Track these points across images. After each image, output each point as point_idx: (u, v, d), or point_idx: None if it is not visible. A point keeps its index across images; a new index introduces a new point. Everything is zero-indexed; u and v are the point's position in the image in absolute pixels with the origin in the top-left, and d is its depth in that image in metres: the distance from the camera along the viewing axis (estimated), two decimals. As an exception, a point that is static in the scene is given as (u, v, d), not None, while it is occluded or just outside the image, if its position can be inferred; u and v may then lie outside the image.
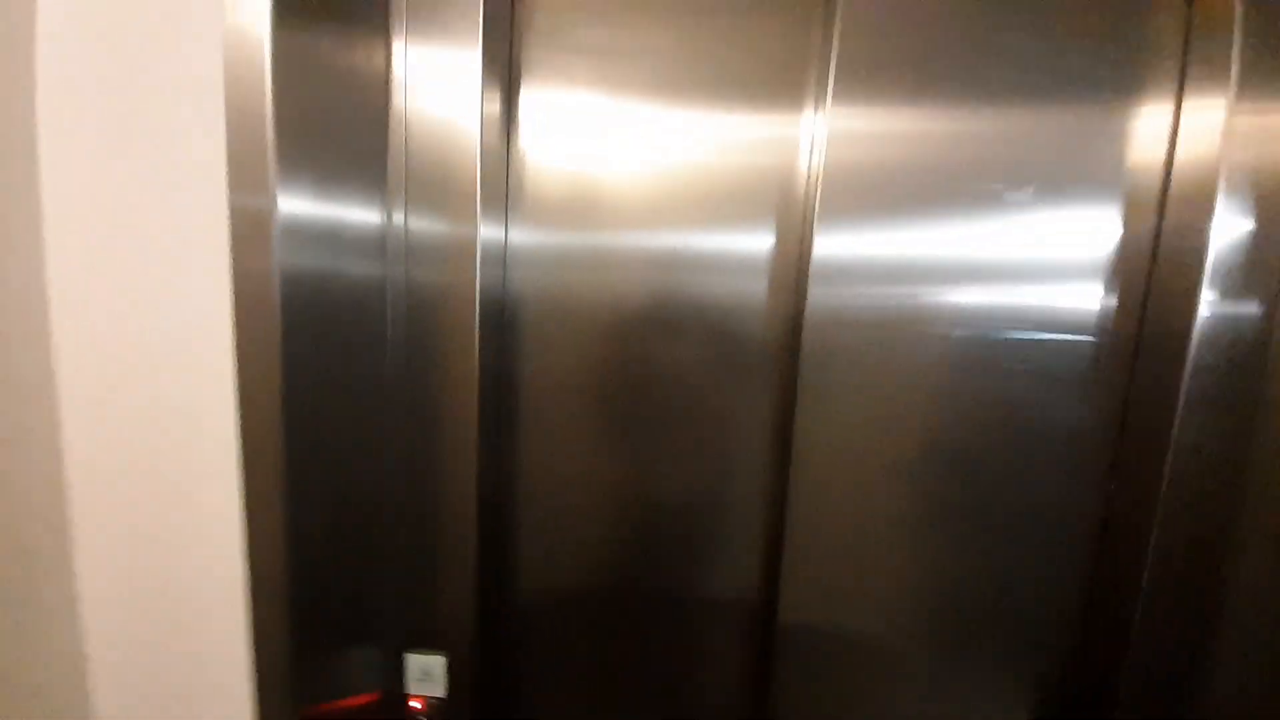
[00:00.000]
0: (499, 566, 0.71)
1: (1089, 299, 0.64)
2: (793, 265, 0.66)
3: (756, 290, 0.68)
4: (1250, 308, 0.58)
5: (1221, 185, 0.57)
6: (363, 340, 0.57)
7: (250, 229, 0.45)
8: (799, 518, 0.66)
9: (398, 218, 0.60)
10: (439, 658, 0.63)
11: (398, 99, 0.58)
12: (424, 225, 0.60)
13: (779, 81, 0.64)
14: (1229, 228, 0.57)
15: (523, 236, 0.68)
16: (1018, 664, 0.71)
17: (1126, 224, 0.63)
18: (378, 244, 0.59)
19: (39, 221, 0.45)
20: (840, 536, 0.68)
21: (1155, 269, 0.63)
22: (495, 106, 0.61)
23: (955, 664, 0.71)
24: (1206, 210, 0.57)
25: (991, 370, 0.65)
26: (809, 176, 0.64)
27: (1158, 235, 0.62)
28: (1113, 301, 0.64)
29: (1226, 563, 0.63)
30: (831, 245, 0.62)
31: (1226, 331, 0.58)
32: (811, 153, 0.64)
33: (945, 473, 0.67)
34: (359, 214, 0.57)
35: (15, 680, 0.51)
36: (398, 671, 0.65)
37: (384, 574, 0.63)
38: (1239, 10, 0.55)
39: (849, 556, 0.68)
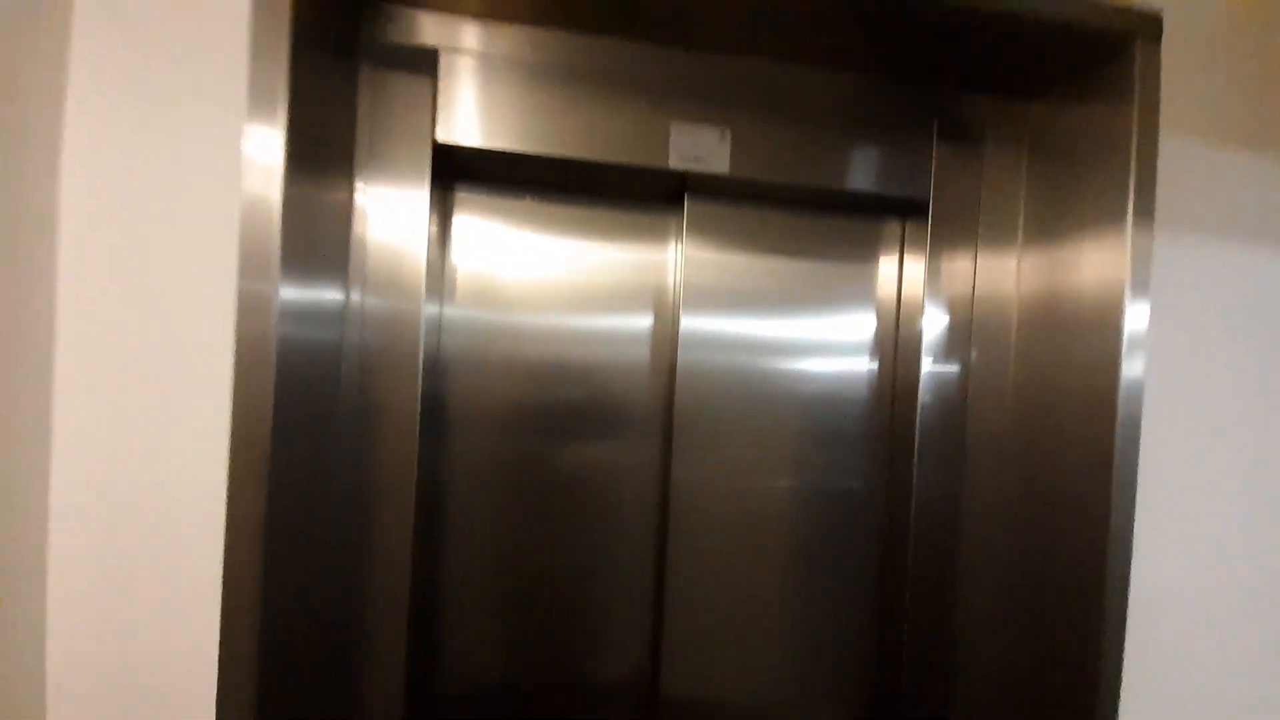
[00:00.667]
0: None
1: (862, 365, 0.96)
2: (667, 336, 0.90)
3: (641, 355, 0.90)
4: (954, 367, 0.93)
5: (928, 297, 0.91)
6: (322, 387, 0.67)
7: (255, 305, 0.56)
8: (678, 529, 0.85)
9: (354, 297, 0.73)
10: None
11: (357, 223, 0.73)
12: (373, 302, 0.73)
13: (654, 228, 0.91)
14: (935, 321, 0.92)
15: (454, 313, 0.84)
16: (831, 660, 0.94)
17: (879, 323, 0.96)
18: (339, 316, 0.71)
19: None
20: (709, 551, 0.88)
21: (897, 346, 0.97)
22: (435, 228, 0.79)
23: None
24: (918, 312, 0.91)
25: (803, 412, 0.92)
26: (675, 284, 0.90)
27: (897, 327, 0.97)
28: (875, 364, 0.96)
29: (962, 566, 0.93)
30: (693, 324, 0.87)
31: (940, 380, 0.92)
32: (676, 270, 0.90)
33: (772, 504, 0.92)
34: (327, 295, 0.69)
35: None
36: None
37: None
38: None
39: (712, 563, 0.88)
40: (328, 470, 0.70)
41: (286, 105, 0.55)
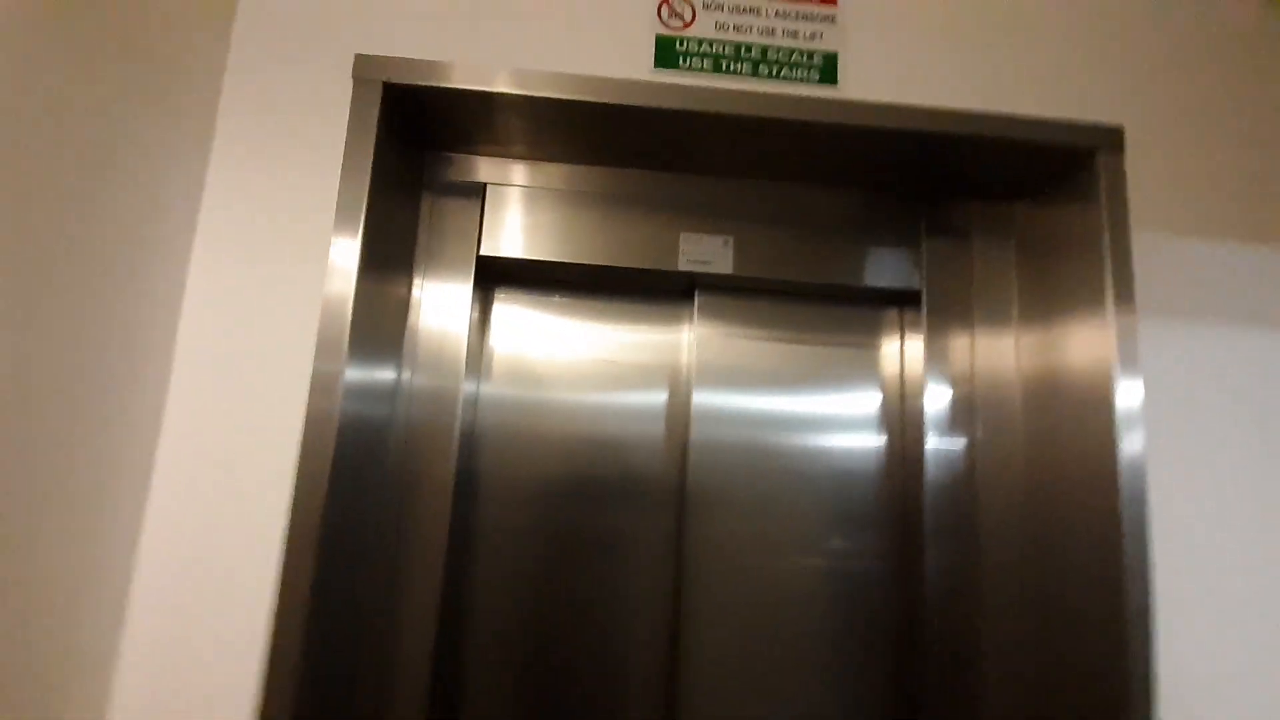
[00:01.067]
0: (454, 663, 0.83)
1: (869, 441, 1.00)
2: (681, 412, 0.97)
3: (657, 429, 0.98)
4: (960, 442, 0.96)
5: (928, 376, 0.97)
6: (374, 459, 0.77)
7: (325, 384, 0.68)
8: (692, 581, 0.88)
9: (405, 376, 0.84)
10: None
11: (413, 316, 0.86)
12: (422, 381, 0.85)
13: (669, 313, 1.02)
14: (938, 398, 0.96)
15: (490, 390, 0.94)
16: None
17: (884, 399, 1.02)
18: (391, 394, 0.82)
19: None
20: (721, 618, 0.90)
21: (903, 423, 1.01)
22: (476, 314, 0.92)
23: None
24: (920, 389, 0.97)
25: (810, 486, 0.96)
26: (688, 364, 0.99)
27: (902, 403, 1.01)
28: (882, 440, 1.00)
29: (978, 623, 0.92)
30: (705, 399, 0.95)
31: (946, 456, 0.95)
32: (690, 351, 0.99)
33: (782, 576, 0.94)
34: (384, 374, 0.80)
35: None
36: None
37: (360, 670, 0.74)
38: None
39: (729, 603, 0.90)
40: (375, 521, 0.78)
41: (363, 223, 0.70)
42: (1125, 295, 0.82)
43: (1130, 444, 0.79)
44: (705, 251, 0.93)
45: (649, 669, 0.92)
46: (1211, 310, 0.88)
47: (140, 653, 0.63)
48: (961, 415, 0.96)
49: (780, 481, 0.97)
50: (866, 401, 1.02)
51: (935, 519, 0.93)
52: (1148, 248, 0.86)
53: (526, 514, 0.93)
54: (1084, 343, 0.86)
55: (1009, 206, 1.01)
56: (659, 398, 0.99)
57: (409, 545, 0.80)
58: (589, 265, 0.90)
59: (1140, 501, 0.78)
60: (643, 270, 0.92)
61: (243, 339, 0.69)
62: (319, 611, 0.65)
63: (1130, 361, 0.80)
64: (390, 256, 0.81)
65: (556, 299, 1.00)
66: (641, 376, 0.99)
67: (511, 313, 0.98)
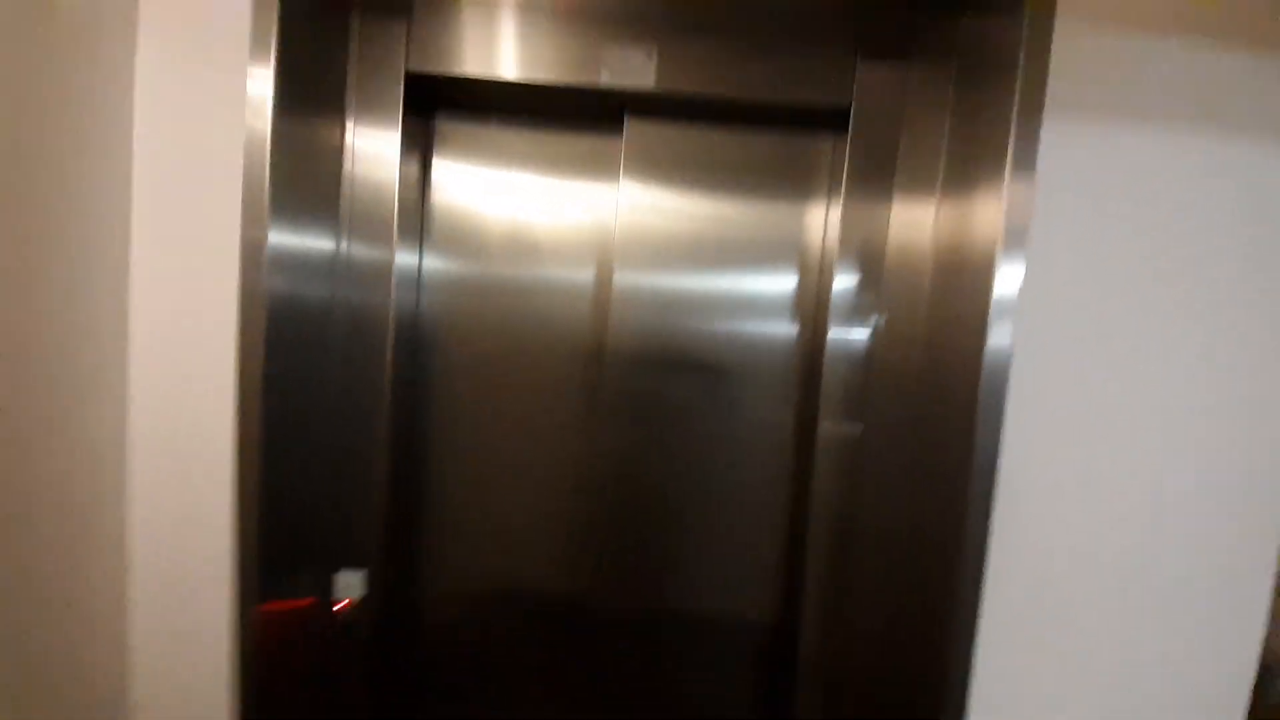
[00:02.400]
0: (405, 506, 1.05)
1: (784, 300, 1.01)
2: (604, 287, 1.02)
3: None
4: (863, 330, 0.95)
5: (839, 254, 0.92)
6: (314, 337, 0.89)
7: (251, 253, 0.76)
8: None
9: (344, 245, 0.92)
10: (359, 572, 0.96)
11: (348, 163, 0.91)
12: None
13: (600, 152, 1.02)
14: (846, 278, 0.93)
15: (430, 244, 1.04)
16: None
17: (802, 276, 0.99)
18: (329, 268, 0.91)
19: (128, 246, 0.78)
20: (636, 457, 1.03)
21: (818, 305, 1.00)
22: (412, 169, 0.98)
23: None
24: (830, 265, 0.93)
25: (721, 352, 1.01)
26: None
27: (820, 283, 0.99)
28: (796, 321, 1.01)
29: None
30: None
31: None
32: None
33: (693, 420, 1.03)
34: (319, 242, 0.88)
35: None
36: (326, 586, 0.98)
37: (321, 515, 0.96)
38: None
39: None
40: (324, 372, 0.92)
41: (275, 45, 0.70)
42: (1025, 160, 0.70)
43: (998, 337, 0.74)
44: (629, 65, 0.90)
45: (576, 500, 1.09)
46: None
47: (141, 482, 0.83)
48: (870, 279, 0.94)
49: (695, 339, 1.03)
50: (786, 257, 1.03)
51: (833, 387, 0.96)
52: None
53: (466, 356, 1.05)
54: (986, 210, 0.77)
55: (951, 22, 0.84)
56: (588, 245, 1.04)
57: (359, 394, 0.94)
58: (514, 83, 0.90)
59: (999, 391, 0.76)
60: (567, 88, 0.91)
61: (188, 191, 0.77)
62: (273, 450, 0.80)
63: (1016, 241, 0.72)
64: (316, 92, 0.82)
65: (488, 133, 1.03)
66: (571, 223, 1.04)
67: (448, 150, 1.03)
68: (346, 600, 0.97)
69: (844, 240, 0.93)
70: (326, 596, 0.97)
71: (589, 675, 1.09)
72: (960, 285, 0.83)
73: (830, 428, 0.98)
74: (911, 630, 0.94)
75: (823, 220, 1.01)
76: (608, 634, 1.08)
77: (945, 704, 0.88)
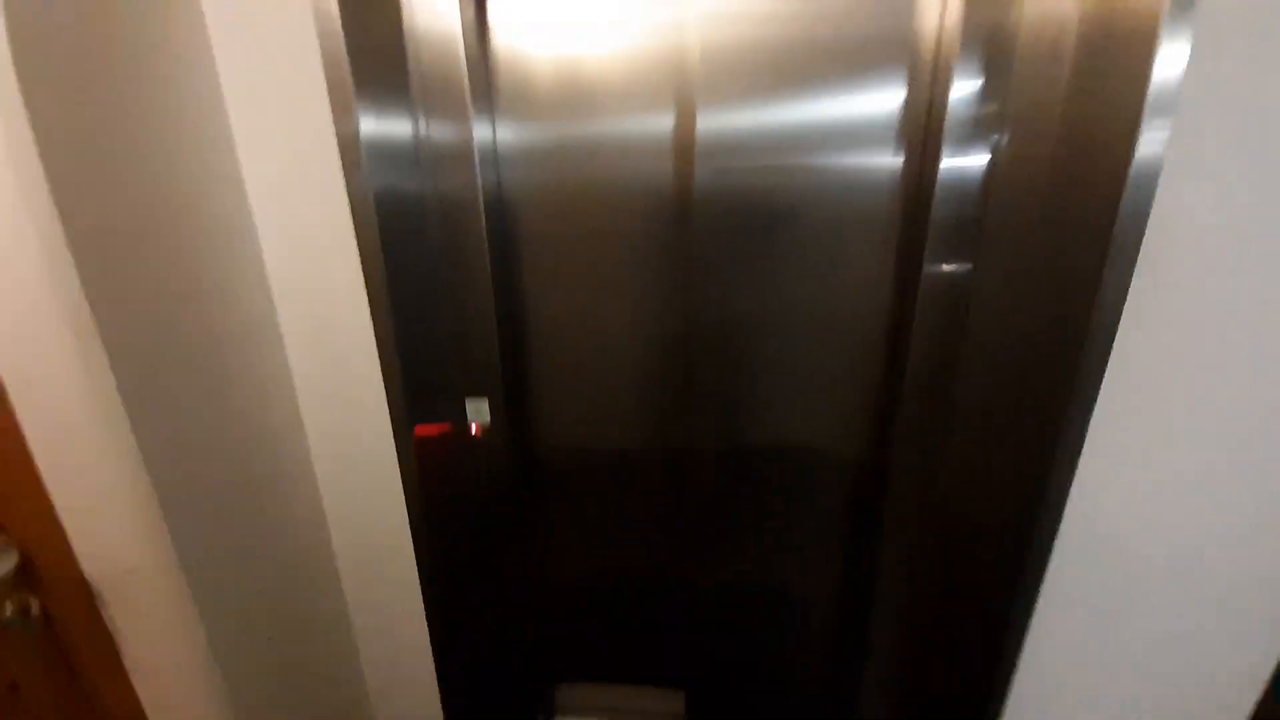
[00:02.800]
0: (514, 348, 1.17)
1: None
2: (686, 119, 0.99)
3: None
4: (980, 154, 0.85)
5: (959, 51, 0.81)
6: (414, 221, 0.99)
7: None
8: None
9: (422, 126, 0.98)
10: (484, 399, 1.12)
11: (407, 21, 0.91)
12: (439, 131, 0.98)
13: None
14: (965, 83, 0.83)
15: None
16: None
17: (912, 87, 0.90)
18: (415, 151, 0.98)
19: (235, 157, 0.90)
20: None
21: (929, 123, 0.90)
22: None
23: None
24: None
25: (815, 192, 0.97)
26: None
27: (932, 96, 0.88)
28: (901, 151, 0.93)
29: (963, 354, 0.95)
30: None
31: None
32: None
33: (786, 265, 1.02)
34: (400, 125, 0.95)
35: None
36: (461, 413, 1.15)
37: (447, 357, 1.11)
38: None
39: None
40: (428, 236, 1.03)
41: None
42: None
43: (1148, 144, 0.65)
44: None
45: (668, 345, 1.16)
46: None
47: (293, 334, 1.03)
48: (995, 82, 0.83)
49: (786, 178, 0.99)
50: (893, 60, 0.91)
51: (941, 225, 0.90)
52: None
53: (553, 218, 1.09)
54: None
55: None
56: (665, 76, 0.99)
57: (463, 264, 1.04)
58: None
59: (1136, 227, 0.68)
60: None
61: (272, 86, 0.86)
62: (399, 315, 0.95)
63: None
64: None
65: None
66: (644, 50, 0.98)
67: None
68: (477, 426, 1.14)
69: (966, 28, 0.81)
70: (463, 423, 1.15)
71: (684, 492, 1.23)
72: (1105, 83, 0.71)
73: (934, 271, 0.94)
74: (1003, 478, 0.95)
75: (939, 7, 0.87)
76: (700, 461, 1.18)
77: (1030, 547, 0.90)
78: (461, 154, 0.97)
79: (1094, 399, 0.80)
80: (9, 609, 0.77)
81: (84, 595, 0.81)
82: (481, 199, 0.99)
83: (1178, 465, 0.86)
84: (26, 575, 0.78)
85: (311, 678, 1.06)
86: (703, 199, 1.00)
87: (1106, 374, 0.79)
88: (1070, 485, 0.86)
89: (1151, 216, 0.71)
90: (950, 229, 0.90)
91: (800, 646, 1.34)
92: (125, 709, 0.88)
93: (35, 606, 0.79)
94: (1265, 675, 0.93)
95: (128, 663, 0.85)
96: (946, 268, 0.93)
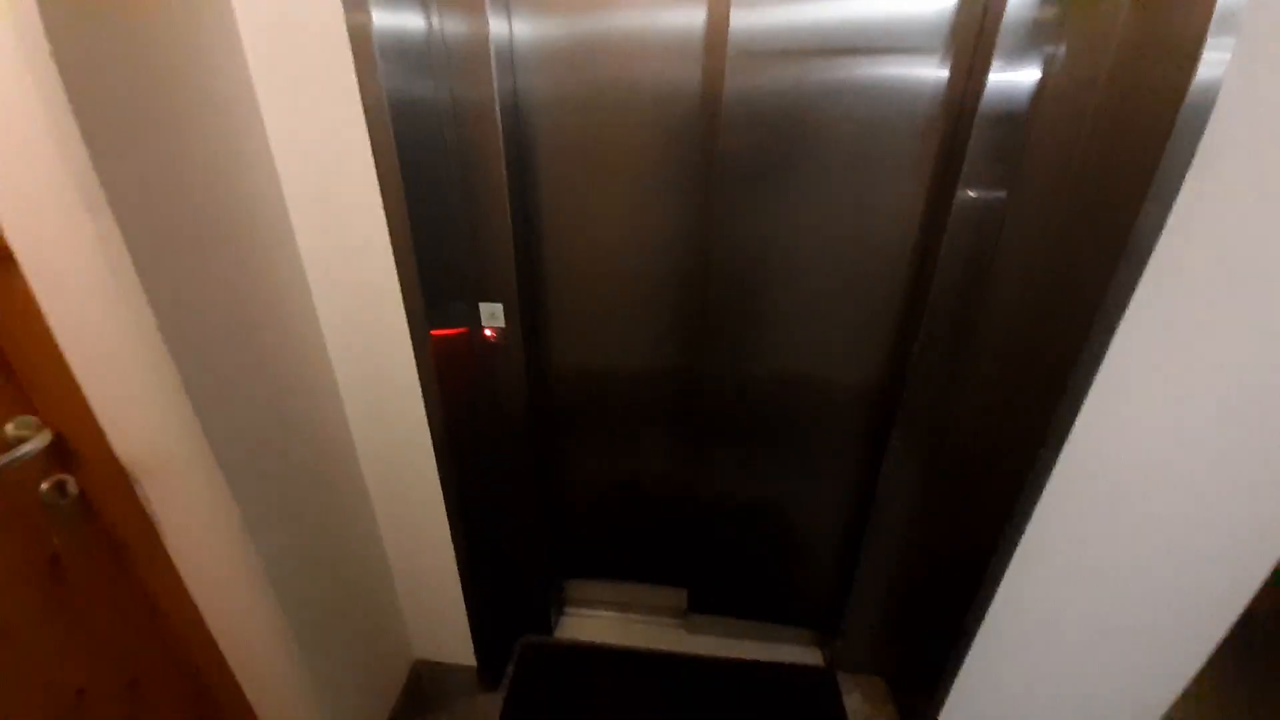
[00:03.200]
0: (528, 256, 1.16)
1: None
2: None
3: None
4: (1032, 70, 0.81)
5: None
6: (430, 123, 0.94)
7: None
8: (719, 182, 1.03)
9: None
10: (498, 304, 1.12)
11: None
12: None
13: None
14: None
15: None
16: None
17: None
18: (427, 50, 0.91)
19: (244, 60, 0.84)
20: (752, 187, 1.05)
21: (983, 25, 0.85)
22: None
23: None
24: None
25: (852, 105, 0.93)
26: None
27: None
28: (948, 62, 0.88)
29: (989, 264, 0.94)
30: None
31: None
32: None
33: (814, 181, 1.00)
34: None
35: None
36: (476, 317, 1.15)
37: (462, 261, 1.09)
38: None
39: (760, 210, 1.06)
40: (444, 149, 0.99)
41: None
42: None
43: (1209, 66, 0.62)
44: None
45: (686, 261, 1.15)
46: None
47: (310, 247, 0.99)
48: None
49: (822, 90, 0.94)
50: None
51: (981, 146, 0.88)
52: None
53: (572, 124, 1.05)
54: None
55: None
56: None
57: (478, 173, 1.00)
58: None
59: (1185, 155, 0.66)
60: None
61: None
62: (416, 220, 0.92)
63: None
64: None
65: None
66: None
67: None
68: (493, 330, 1.15)
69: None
70: (477, 325, 1.15)
71: (696, 407, 1.26)
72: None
73: (969, 195, 0.92)
74: (1012, 406, 0.98)
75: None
76: (714, 376, 1.21)
77: (1029, 475, 0.94)
78: (477, 49, 0.91)
79: (1111, 337, 0.81)
80: (45, 486, 0.79)
81: (119, 476, 0.83)
82: (497, 100, 0.94)
83: (1186, 406, 0.89)
84: (61, 456, 0.81)
85: (339, 558, 1.12)
86: (732, 105, 0.96)
87: (1128, 313, 0.79)
88: (1075, 420, 0.89)
89: (1199, 149, 0.69)
90: (990, 151, 0.88)
91: (797, 553, 1.43)
92: (165, 581, 0.93)
93: (72, 485, 0.82)
94: (1247, 594, 1.01)
95: (166, 540, 0.89)
96: (981, 193, 0.92)
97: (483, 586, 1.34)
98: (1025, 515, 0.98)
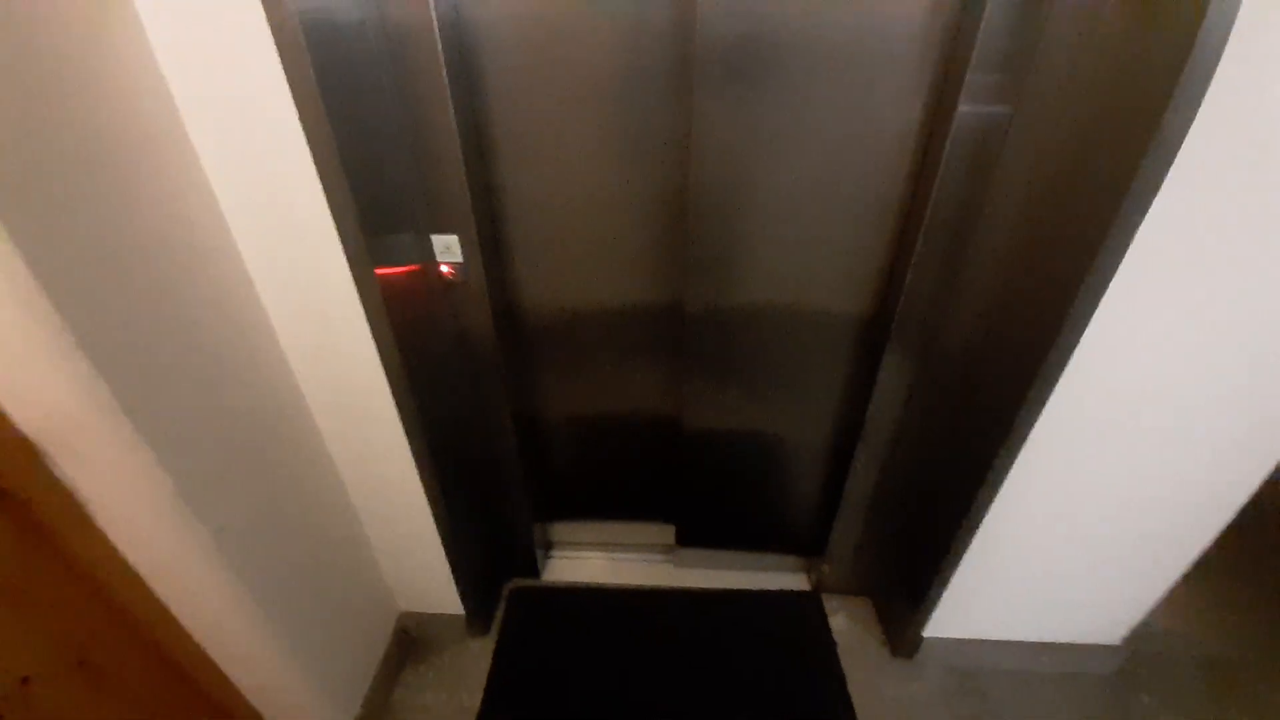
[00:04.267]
0: (484, 182, 1.03)
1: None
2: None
3: None
4: None
5: None
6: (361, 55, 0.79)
7: None
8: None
9: None
10: (453, 236, 1.00)
11: None
12: None
13: None
14: None
15: None
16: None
17: None
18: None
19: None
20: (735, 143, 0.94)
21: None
22: None
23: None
24: None
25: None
26: None
27: None
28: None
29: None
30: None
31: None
32: None
33: (799, 101, 0.88)
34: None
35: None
36: (429, 252, 1.03)
37: (409, 190, 0.96)
38: None
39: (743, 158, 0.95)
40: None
41: None
42: None
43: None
44: None
45: (658, 187, 1.04)
46: None
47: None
48: None
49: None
50: None
51: (984, 57, 0.77)
52: None
53: (526, 48, 0.91)
54: None
55: None
56: None
57: (423, 138, 0.88)
58: None
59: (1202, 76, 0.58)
60: None
61: None
62: (347, 145, 0.80)
63: None
64: None
65: None
66: None
67: None
68: (450, 266, 1.03)
69: None
70: (431, 261, 1.04)
71: (677, 342, 1.18)
72: None
73: (969, 113, 0.81)
74: (1007, 341, 0.92)
75: None
76: (695, 311, 1.12)
77: (1020, 408, 0.90)
78: None
79: (1112, 273, 0.76)
80: (-60, 470, 0.69)
81: (26, 450, 0.73)
82: (434, 15, 0.80)
83: (1186, 325, 0.84)
84: (-50, 435, 0.70)
85: (301, 519, 1.05)
86: (708, 18, 0.82)
87: (1131, 246, 0.74)
88: (1073, 351, 0.84)
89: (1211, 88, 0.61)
90: (993, 62, 0.78)
91: (785, 480, 1.40)
92: (101, 557, 0.85)
93: (-29, 465, 0.71)
94: (1235, 503, 1.01)
95: (95, 515, 0.81)
96: (982, 109, 0.82)
97: (463, 535, 1.29)
98: (1021, 436, 0.95)
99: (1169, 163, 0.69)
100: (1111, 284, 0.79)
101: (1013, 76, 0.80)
